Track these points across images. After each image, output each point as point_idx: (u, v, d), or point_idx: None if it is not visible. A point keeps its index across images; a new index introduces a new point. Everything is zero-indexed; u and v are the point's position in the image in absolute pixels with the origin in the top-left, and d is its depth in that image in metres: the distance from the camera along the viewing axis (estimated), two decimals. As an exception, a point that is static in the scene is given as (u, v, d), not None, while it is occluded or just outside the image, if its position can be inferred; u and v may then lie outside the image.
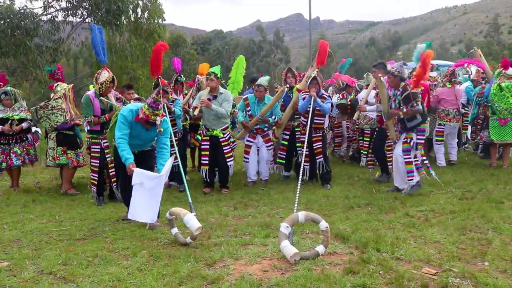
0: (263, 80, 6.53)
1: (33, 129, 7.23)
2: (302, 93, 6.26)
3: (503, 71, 6.96)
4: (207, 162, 6.14)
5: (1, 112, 6.66)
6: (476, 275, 2.91)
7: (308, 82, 6.09)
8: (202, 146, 6.23)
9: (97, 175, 5.66)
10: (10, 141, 6.72)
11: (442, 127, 7.48)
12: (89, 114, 5.51)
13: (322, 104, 5.95)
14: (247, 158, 6.48)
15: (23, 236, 4.28)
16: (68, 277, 3.16)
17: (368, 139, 7.21)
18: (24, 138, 6.83)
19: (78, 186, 6.98)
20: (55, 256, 3.58)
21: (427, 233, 3.85)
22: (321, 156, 6.15)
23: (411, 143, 5.46)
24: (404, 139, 5.53)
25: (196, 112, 5.93)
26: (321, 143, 6.16)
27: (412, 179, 5.43)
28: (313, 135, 6.10)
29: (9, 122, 6.62)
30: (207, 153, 6.13)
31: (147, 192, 4.14)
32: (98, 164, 5.65)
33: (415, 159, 5.52)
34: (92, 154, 5.73)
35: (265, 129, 6.50)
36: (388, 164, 6.22)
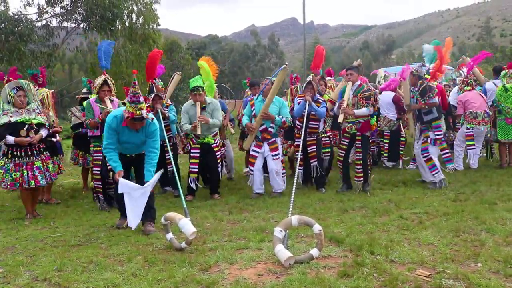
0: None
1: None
2: (298, 97, 6.30)
3: (510, 71, 7.12)
4: (196, 170, 6.03)
5: (13, 114, 4.99)
6: (469, 277, 2.94)
7: (303, 87, 6.14)
8: (191, 154, 6.09)
9: (100, 183, 5.57)
10: (28, 153, 5.08)
11: (470, 130, 7.11)
12: (89, 118, 5.47)
13: (317, 109, 5.98)
14: (252, 170, 6.04)
15: (17, 242, 4.27)
16: (63, 283, 3.15)
17: (388, 141, 7.34)
18: (42, 150, 5.28)
19: (73, 192, 6.96)
20: (50, 263, 3.56)
21: (421, 235, 3.87)
22: (315, 159, 6.17)
23: (428, 141, 5.99)
24: (423, 139, 6.09)
25: (199, 132, 5.76)
26: (315, 147, 6.19)
27: (437, 172, 5.94)
28: (307, 139, 6.13)
29: (25, 128, 5.01)
30: (197, 161, 6.02)
31: (134, 200, 4.21)
32: (99, 172, 5.54)
33: (444, 151, 6.16)
34: (94, 162, 5.65)
35: (270, 129, 5.89)
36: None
